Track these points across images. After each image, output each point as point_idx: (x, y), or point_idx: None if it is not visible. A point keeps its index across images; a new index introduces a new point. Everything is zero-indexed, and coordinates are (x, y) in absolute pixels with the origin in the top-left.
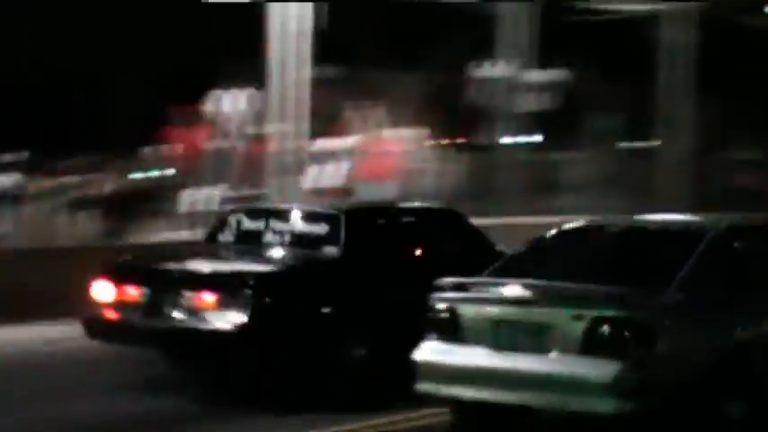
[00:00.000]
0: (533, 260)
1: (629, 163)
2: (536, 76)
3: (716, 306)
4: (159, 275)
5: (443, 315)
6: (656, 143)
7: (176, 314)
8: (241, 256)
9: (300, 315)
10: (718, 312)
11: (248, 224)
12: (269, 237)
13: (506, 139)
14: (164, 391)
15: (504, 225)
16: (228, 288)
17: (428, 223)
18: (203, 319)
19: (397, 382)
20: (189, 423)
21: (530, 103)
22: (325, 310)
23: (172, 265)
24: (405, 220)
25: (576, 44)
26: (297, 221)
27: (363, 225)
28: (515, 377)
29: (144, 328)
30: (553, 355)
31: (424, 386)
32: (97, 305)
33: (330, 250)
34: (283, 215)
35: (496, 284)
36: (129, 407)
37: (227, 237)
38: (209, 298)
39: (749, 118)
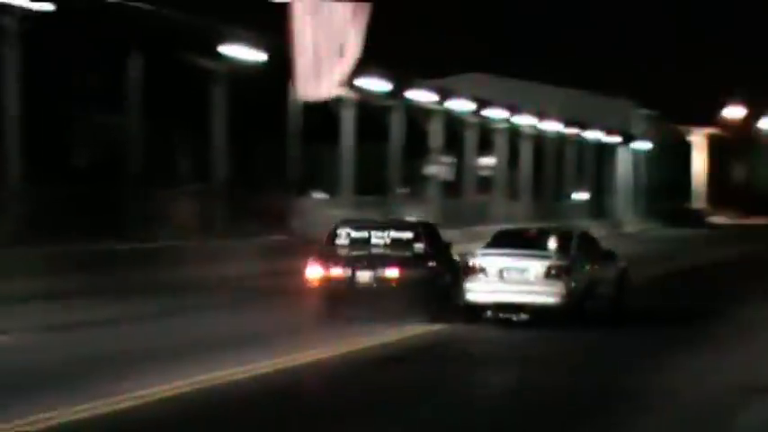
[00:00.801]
0: (500, 242)
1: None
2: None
3: (582, 263)
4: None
5: (476, 266)
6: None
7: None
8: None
9: (425, 269)
10: (584, 265)
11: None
12: (375, 240)
13: None
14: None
15: None
16: (398, 263)
17: (434, 229)
18: (389, 281)
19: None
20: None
21: None
22: (432, 263)
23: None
24: (429, 226)
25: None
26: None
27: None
28: (514, 291)
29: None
30: (531, 280)
31: (470, 298)
32: None
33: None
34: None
35: (496, 252)
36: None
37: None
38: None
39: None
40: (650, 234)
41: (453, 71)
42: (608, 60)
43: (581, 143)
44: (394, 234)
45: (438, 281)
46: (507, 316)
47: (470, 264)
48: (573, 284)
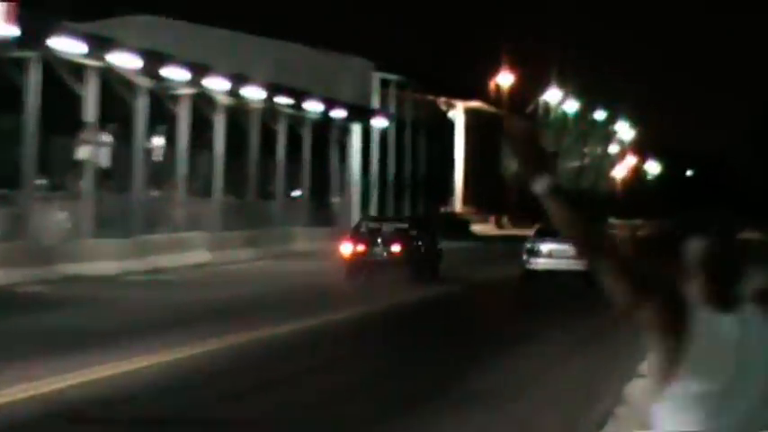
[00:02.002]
0: (544, 232)
1: None
2: None
3: None
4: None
5: (531, 248)
6: None
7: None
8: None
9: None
10: None
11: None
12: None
13: None
14: None
15: None
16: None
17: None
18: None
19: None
20: None
21: None
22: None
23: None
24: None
25: None
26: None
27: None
28: (560, 263)
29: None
30: (571, 256)
31: (530, 267)
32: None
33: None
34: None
35: (545, 240)
36: None
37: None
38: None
39: None
40: None
41: (116, 12)
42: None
43: (298, 118)
44: (397, 225)
45: (426, 256)
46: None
47: (529, 246)
48: None
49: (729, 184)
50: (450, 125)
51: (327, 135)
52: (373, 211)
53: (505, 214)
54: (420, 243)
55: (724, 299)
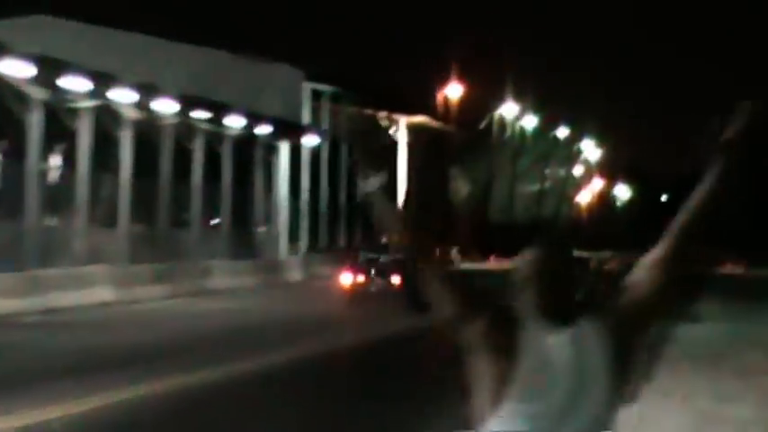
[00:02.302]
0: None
1: None
2: None
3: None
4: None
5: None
6: None
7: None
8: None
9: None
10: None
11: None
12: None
13: None
14: None
15: None
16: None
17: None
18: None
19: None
20: None
21: None
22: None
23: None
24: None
25: None
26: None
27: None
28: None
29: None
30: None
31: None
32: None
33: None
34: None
35: None
36: None
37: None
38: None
39: None
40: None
41: (3, 12)
42: (268, 16)
43: (217, 135)
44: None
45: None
46: None
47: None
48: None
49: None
50: (395, 144)
51: (251, 154)
52: (303, 241)
53: (455, 246)
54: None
55: (555, 314)
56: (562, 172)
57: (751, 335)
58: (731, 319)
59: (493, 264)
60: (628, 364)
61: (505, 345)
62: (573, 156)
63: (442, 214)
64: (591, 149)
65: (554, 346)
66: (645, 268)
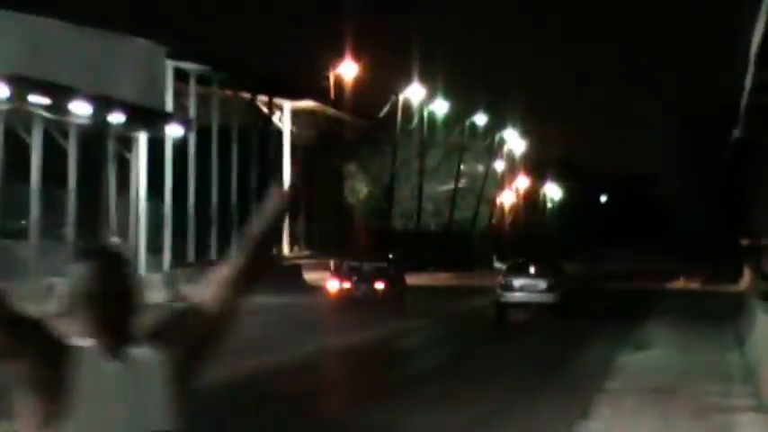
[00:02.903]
0: (515, 269)
1: None
2: None
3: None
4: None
5: (505, 283)
6: None
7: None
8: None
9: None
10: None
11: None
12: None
13: None
14: None
15: None
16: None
17: (398, 259)
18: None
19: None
20: None
21: None
22: (392, 272)
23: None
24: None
25: None
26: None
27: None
28: (532, 296)
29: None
30: (541, 290)
31: (504, 300)
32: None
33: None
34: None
35: (517, 275)
36: None
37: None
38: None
39: None
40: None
41: None
42: None
43: (59, 124)
44: (377, 264)
45: (400, 291)
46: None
47: (502, 282)
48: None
49: (654, 214)
50: (275, 133)
51: (102, 148)
52: (167, 253)
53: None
54: (397, 281)
55: (112, 339)
56: (480, 167)
57: (707, 363)
58: (684, 345)
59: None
60: (184, 393)
61: (54, 379)
62: (493, 148)
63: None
64: (515, 140)
65: (108, 374)
66: (214, 286)
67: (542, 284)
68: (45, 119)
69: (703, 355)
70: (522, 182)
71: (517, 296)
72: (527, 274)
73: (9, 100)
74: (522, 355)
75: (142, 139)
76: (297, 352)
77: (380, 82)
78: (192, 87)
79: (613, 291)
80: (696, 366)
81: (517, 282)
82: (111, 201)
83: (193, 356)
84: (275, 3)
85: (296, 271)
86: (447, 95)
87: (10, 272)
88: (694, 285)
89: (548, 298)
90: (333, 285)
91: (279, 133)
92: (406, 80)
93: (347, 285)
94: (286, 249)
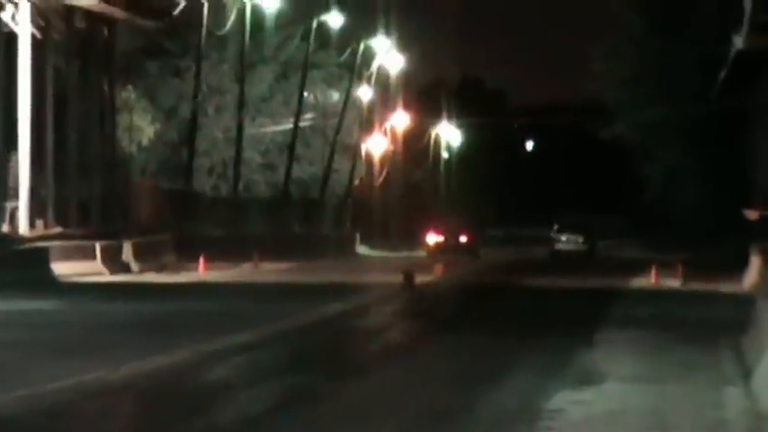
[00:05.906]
0: (561, 227)
1: None
2: None
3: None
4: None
5: (556, 237)
6: None
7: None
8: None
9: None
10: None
11: None
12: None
13: None
14: None
15: None
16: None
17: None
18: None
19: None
20: None
21: None
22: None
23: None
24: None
25: None
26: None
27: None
28: (572, 246)
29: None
30: (580, 242)
31: (557, 248)
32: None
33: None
34: None
35: (563, 232)
36: None
37: None
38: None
39: None
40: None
41: None
42: None
43: None
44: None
45: (477, 244)
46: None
47: (554, 236)
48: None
49: (608, 169)
50: (6, 37)
51: None
52: None
53: (124, 238)
54: (474, 233)
55: None
56: (335, 96)
57: (693, 407)
58: (655, 377)
59: (197, 273)
60: None
61: None
62: (355, 66)
63: None
64: (390, 55)
65: None
66: None
67: (580, 238)
68: None
69: (686, 395)
70: (401, 119)
71: (562, 245)
72: (569, 232)
73: None
74: (405, 401)
75: None
76: None
77: None
78: None
79: (544, 290)
80: (674, 413)
81: (563, 236)
82: None
83: None
84: None
85: (40, 258)
86: None
87: None
88: (672, 282)
89: (583, 246)
90: (431, 239)
91: (11, 38)
92: None
93: (441, 239)
94: (22, 223)
